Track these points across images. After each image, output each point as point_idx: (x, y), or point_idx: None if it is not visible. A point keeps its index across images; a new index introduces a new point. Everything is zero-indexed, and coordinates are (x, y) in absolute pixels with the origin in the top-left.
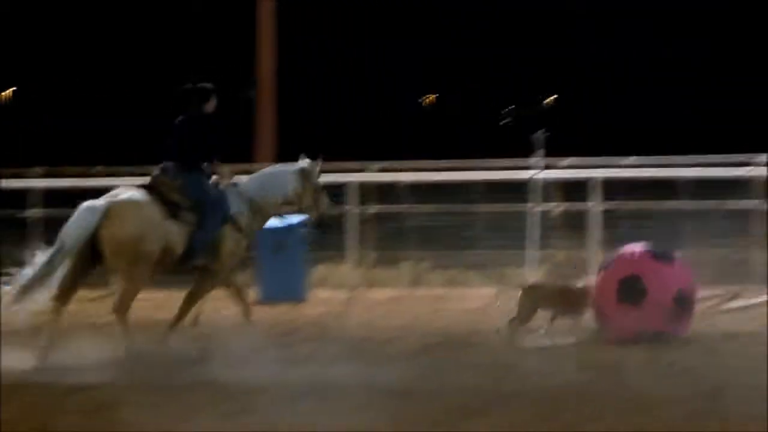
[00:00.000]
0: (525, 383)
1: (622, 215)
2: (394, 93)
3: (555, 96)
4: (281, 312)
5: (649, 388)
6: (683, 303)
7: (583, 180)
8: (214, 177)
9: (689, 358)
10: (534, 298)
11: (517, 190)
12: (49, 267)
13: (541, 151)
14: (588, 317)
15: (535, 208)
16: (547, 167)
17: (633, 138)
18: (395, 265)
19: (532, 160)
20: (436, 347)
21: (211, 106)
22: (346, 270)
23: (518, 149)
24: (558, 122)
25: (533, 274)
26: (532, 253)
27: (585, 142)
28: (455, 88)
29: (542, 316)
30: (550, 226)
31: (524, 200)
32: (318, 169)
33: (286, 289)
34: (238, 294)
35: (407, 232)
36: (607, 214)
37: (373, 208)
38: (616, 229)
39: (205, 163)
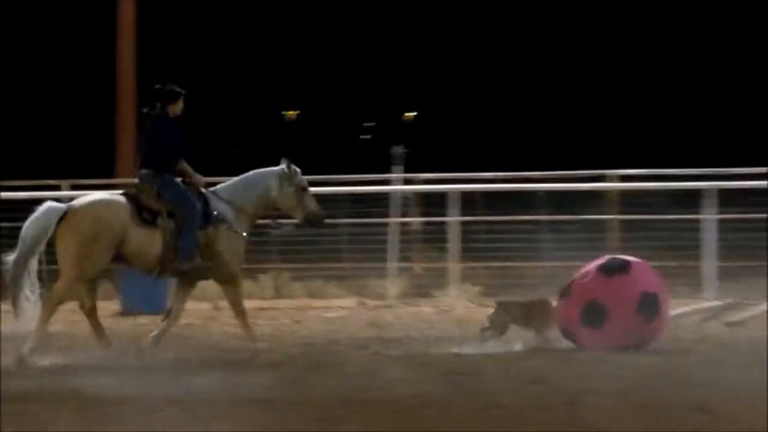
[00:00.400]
0: (386, 391)
1: (481, 227)
2: (257, 107)
3: (414, 113)
4: (143, 323)
5: (507, 396)
6: (593, 313)
7: (442, 193)
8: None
9: (548, 367)
10: (507, 313)
11: (378, 204)
12: (15, 267)
13: (401, 166)
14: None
15: (395, 220)
16: (407, 181)
17: (491, 153)
18: (257, 276)
19: (391, 174)
20: (298, 357)
21: (177, 108)
22: (208, 282)
23: (379, 163)
24: (418, 137)
25: (394, 285)
26: (393, 264)
27: (444, 156)
28: (317, 103)
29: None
30: (410, 239)
31: (385, 213)
32: (298, 171)
33: (148, 300)
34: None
35: (268, 244)
36: (466, 227)
37: None
38: (475, 242)
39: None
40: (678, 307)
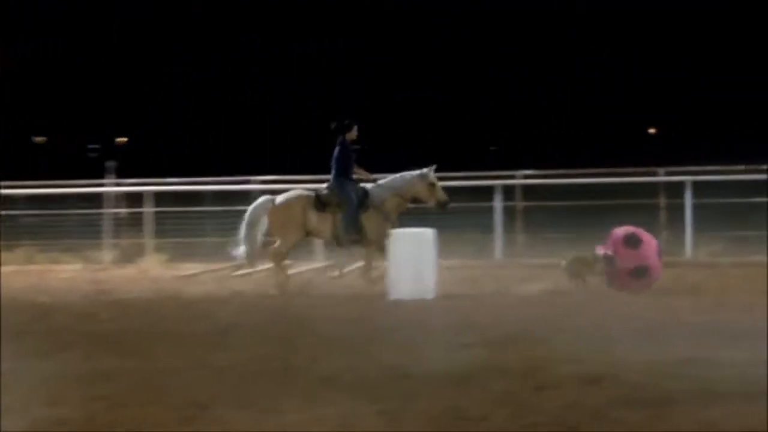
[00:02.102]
0: (100, 326)
1: (170, 215)
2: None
3: (125, 138)
4: None
5: (181, 327)
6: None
7: (140, 193)
8: (356, 179)
9: (217, 307)
10: (575, 264)
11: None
12: (245, 237)
13: (113, 174)
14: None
15: (109, 211)
16: (117, 184)
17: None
18: (14, 249)
19: (105, 180)
20: (43, 304)
21: (352, 135)
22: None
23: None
24: (128, 155)
25: (108, 254)
26: (108, 241)
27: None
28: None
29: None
30: (121, 224)
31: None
32: (430, 174)
33: None
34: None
35: (23, 227)
36: (159, 215)
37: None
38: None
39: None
40: (302, 266)
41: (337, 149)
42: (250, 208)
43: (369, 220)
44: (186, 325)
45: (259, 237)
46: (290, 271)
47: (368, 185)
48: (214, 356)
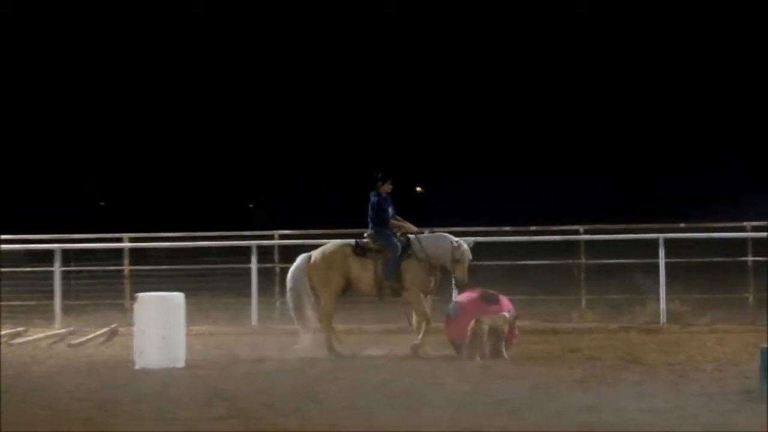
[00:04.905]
0: None
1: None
2: None
3: None
4: None
5: None
6: None
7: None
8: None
9: None
10: (483, 328)
11: None
12: (293, 308)
13: None
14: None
15: None
16: None
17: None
18: None
19: None
20: None
21: (386, 188)
22: None
23: None
24: None
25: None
26: None
27: None
28: None
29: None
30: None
31: None
32: (461, 248)
33: None
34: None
35: None
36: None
37: None
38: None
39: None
40: (37, 334)
41: (372, 201)
42: (289, 275)
43: (410, 268)
44: None
45: (307, 301)
46: (25, 339)
47: (411, 235)
48: None
